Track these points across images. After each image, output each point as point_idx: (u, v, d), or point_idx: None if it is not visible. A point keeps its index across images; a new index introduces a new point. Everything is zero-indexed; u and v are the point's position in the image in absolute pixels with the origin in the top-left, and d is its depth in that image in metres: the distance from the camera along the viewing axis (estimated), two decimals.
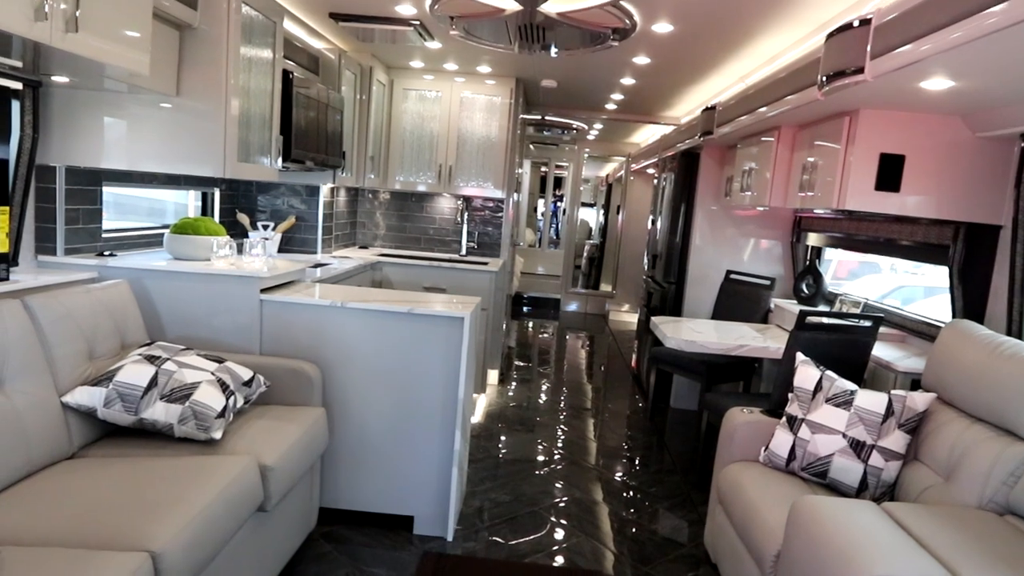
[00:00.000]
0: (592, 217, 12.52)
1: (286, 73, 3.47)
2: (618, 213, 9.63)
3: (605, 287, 10.07)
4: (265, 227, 3.46)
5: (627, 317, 9.14)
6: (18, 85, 2.56)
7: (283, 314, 2.90)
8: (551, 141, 9.67)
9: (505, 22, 3.59)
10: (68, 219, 2.84)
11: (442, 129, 5.36)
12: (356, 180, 4.80)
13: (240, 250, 3.37)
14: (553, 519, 3.21)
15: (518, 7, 3.29)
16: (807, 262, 4.58)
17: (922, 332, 3.32)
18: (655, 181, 6.38)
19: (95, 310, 2.41)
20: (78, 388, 2.21)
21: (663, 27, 3.61)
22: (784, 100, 3.09)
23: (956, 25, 1.80)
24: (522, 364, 6.31)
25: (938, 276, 3.97)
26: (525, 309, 9.55)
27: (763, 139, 3.88)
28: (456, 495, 2.96)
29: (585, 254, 11.24)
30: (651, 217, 6.21)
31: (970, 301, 2.87)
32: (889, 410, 2.40)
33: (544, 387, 5.58)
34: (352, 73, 4.59)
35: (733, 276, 4.71)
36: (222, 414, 2.30)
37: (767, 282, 4.45)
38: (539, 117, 7.31)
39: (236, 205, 4.37)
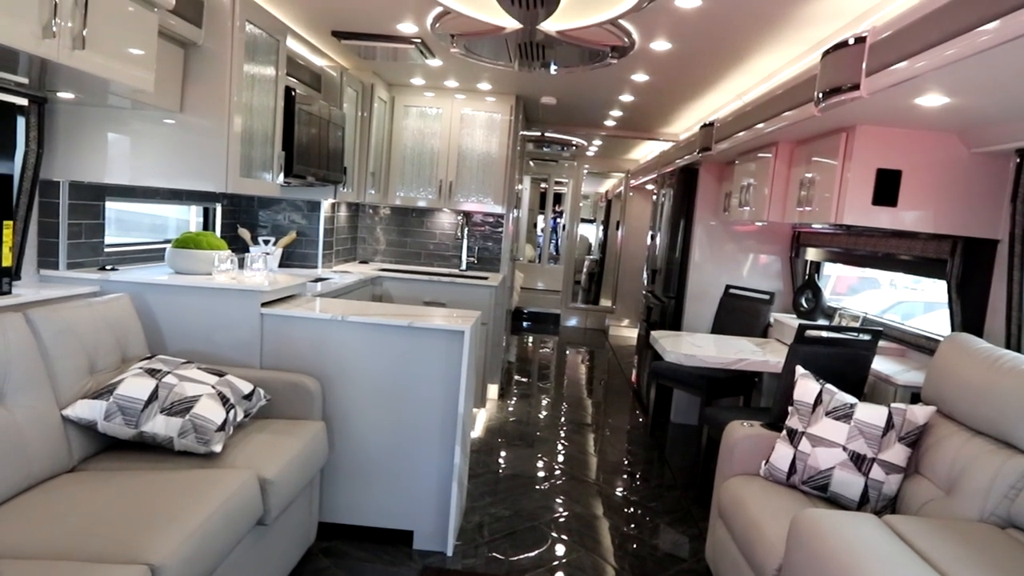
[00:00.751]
0: (592, 233, 12.56)
1: (288, 90, 3.51)
2: (617, 229, 9.66)
3: (605, 302, 10.08)
4: (266, 242, 3.49)
5: (627, 332, 9.14)
6: (24, 101, 2.59)
7: (284, 328, 2.91)
8: (551, 157, 9.73)
9: (505, 40, 3.64)
10: (71, 233, 2.86)
11: (442, 145, 5.40)
12: (357, 195, 4.83)
13: (241, 265, 3.38)
14: (554, 534, 3.19)
15: (518, 25, 3.33)
16: (806, 277, 4.60)
17: (921, 346, 3.32)
18: (654, 197, 6.41)
19: (96, 324, 2.42)
20: (79, 401, 2.21)
21: (661, 45, 3.65)
22: (781, 116, 3.12)
23: (950, 42, 1.83)
24: (522, 379, 6.30)
25: (937, 291, 3.99)
26: (525, 324, 9.55)
27: (761, 155, 3.91)
28: (456, 510, 2.95)
29: (585, 269, 11.26)
30: (650, 232, 6.24)
31: (969, 315, 2.89)
32: (889, 423, 2.41)
33: (544, 402, 5.57)
34: (354, 90, 4.63)
35: (732, 291, 4.72)
36: (222, 427, 2.31)
37: (766, 297, 4.46)
38: (539, 133, 7.36)
39: (238, 220, 4.40)
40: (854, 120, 2.82)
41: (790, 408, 2.66)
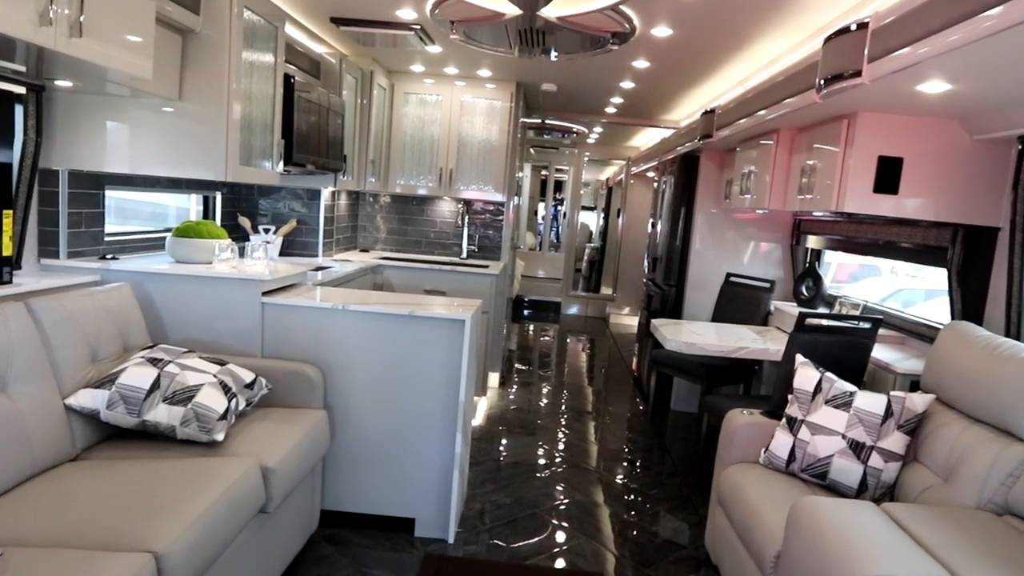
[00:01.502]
0: (592, 220, 12.54)
1: (287, 77, 3.49)
2: (618, 216, 9.64)
3: (606, 290, 10.08)
4: (267, 230, 3.48)
5: (627, 320, 9.15)
6: (22, 89, 2.58)
7: (284, 317, 2.91)
8: (551, 145, 9.69)
9: (505, 26, 3.61)
10: (71, 222, 2.86)
11: (443, 133, 5.38)
12: (357, 183, 4.82)
13: (242, 253, 3.38)
14: (554, 521, 3.21)
15: (518, 11, 3.31)
16: (807, 265, 4.59)
17: (921, 334, 3.33)
18: (655, 184, 6.39)
19: (98, 313, 2.43)
20: (81, 390, 2.22)
21: (662, 31, 3.63)
22: (783, 103, 3.10)
23: (953, 28, 1.81)
24: (523, 367, 6.32)
25: (938, 279, 3.99)
26: (526, 312, 9.56)
27: (762, 142, 3.90)
28: (457, 497, 2.97)
29: (586, 257, 11.25)
30: (651, 220, 6.23)
31: (969, 303, 2.89)
32: (888, 411, 2.41)
33: (545, 390, 5.59)
34: (353, 77, 4.61)
35: (733, 279, 4.72)
36: (224, 416, 2.31)
37: (767, 285, 4.46)
38: (539, 121, 7.33)
39: (238, 208, 4.39)
40: (856, 107, 2.81)
41: (790, 396, 2.66)
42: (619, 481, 3.79)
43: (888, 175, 2.86)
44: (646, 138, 8.57)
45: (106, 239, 3.10)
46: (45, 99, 2.74)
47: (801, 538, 1.96)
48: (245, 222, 4.18)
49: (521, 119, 6.03)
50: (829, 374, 2.63)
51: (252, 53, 3.11)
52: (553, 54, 4.14)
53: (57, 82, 2.60)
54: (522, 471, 3.78)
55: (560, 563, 2.85)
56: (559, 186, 11.75)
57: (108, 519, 1.77)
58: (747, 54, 3.95)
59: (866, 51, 2.28)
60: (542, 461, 3.97)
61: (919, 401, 2.40)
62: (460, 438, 2.93)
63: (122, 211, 3.46)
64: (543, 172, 11.53)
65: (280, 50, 3.39)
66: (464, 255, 5.63)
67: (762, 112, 3.38)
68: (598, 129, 8.14)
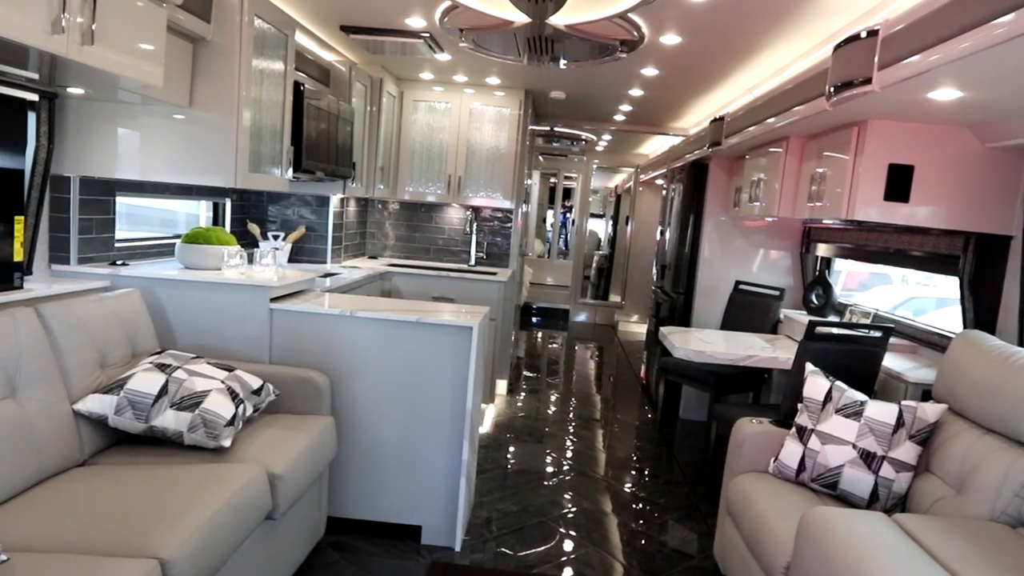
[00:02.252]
0: (601, 228, 12.53)
1: (297, 85, 3.51)
2: (627, 224, 9.63)
3: (614, 298, 10.06)
4: (275, 237, 3.49)
5: (636, 327, 9.12)
6: (34, 97, 2.60)
7: (293, 323, 2.92)
8: (560, 152, 9.70)
9: (514, 34, 3.63)
10: (82, 229, 2.88)
11: (451, 140, 5.39)
12: (366, 190, 4.84)
13: (251, 260, 3.39)
14: (562, 530, 3.19)
15: (527, 20, 3.32)
16: (816, 273, 4.57)
17: (933, 343, 3.30)
18: (664, 192, 6.38)
19: (107, 319, 2.44)
20: (90, 396, 2.23)
21: (671, 39, 3.63)
22: (792, 111, 3.09)
23: (964, 36, 1.80)
24: (531, 374, 6.31)
25: (950, 287, 3.95)
26: (534, 319, 9.55)
27: (771, 150, 3.88)
28: (464, 505, 2.96)
29: (594, 265, 11.24)
30: (660, 228, 6.21)
31: (981, 312, 2.86)
32: (900, 421, 2.39)
33: (553, 397, 5.57)
34: (362, 85, 4.63)
35: (742, 286, 4.70)
36: (231, 422, 2.32)
37: (776, 292, 4.44)
38: (548, 128, 7.34)
39: (247, 215, 4.41)
40: (866, 114, 2.80)
41: (799, 405, 2.64)
42: (627, 490, 3.76)
43: (899, 183, 2.84)
44: (655, 145, 8.57)
45: (116, 245, 3.11)
46: (57, 106, 2.76)
47: (812, 549, 1.93)
48: (254, 228, 4.20)
49: (530, 126, 6.04)
50: (839, 383, 2.60)
51: (262, 61, 3.13)
52: (562, 62, 4.15)
53: (69, 89, 2.62)
54: (529, 479, 3.76)
55: (567, 572, 2.83)
56: (568, 193, 11.75)
57: (114, 525, 1.77)
58: (756, 62, 3.95)
59: (876, 58, 2.27)
60: (550, 469, 3.95)
61: (931, 411, 2.37)
62: (467, 445, 2.92)
63: (132, 216, 3.49)
64: (552, 179, 11.53)
65: (290, 58, 3.41)
66: (472, 262, 5.63)
67: (771, 120, 3.37)
68: (607, 136, 8.15)
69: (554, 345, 7.96)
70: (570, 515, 3.36)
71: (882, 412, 2.42)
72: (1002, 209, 2.77)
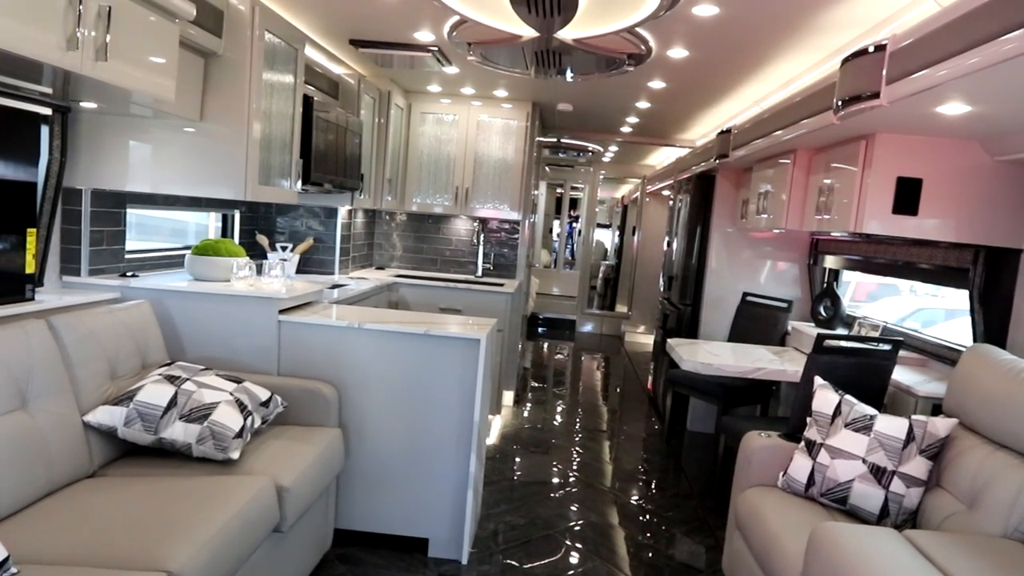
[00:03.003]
0: (608, 238, 12.53)
1: (306, 98, 3.54)
2: (634, 234, 9.63)
3: (621, 308, 10.05)
4: (284, 248, 3.51)
5: (643, 339, 9.10)
6: (47, 111, 2.63)
7: (301, 335, 2.92)
8: (567, 163, 9.72)
9: (522, 48, 3.65)
10: (93, 240, 2.90)
11: (459, 152, 5.42)
12: (374, 202, 4.86)
13: (259, 271, 3.41)
14: (568, 543, 3.18)
15: (535, 34, 3.34)
16: (824, 284, 4.55)
17: (943, 356, 3.28)
18: (671, 203, 6.38)
19: (117, 330, 2.45)
20: (99, 407, 2.24)
21: (678, 52, 3.64)
22: (800, 124, 3.10)
23: (973, 51, 1.80)
24: (537, 385, 6.30)
25: (959, 298, 3.93)
26: (540, 330, 9.54)
27: (779, 162, 3.88)
28: (471, 518, 2.95)
29: (601, 275, 11.23)
30: (667, 239, 6.21)
31: (991, 325, 2.84)
32: (910, 435, 2.37)
33: (559, 408, 5.56)
34: (371, 97, 4.67)
35: (750, 298, 4.69)
36: (240, 434, 2.32)
37: (784, 304, 4.42)
38: (555, 140, 7.36)
39: (256, 227, 4.43)
40: (874, 128, 2.80)
41: (808, 419, 2.63)
42: (634, 502, 3.75)
43: (907, 196, 2.84)
44: (661, 157, 8.58)
45: (127, 256, 3.14)
46: (70, 120, 2.79)
47: (821, 565, 1.92)
48: (263, 240, 4.21)
49: (537, 138, 6.06)
50: (848, 396, 2.59)
51: (272, 74, 3.16)
52: (569, 75, 4.16)
53: (82, 103, 2.65)
54: (536, 491, 3.75)
55: None
56: (574, 204, 11.77)
57: (123, 537, 1.78)
58: (763, 75, 3.96)
59: (884, 73, 2.27)
60: (556, 481, 3.94)
61: (941, 425, 2.36)
62: (474, 457, 2.91)
63: (143, 227, 3.51)
64: (559, 190, 11.56)
65: (300, 71, 3.44)
66: (479, 273, 5.64)
67: (779, 132, 3.37)
68: (613, 148, 8.17)
69: (560, 356, 7.95)
70: (577, 528, 3.35)
71: (892, 426, 2.41)
72: (1012, 222, 2.76)
